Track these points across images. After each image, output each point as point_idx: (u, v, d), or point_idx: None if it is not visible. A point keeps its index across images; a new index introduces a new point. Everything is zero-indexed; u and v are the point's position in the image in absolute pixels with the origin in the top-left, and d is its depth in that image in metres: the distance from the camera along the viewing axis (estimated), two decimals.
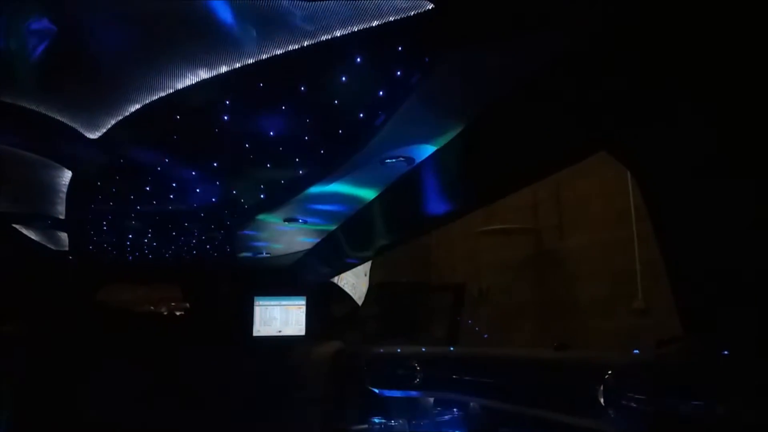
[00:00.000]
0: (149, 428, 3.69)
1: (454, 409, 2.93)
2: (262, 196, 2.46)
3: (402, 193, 2.23)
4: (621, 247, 4.49)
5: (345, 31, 1.32)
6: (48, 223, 2.70)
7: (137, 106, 1.67)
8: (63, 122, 1.76)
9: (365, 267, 4.09)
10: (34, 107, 1.67)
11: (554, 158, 1.63)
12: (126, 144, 1.92)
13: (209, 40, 1.38)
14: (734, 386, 1.28)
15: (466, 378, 2.57)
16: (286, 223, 2.77)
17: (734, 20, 1.08)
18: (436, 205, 2.22)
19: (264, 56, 1.42)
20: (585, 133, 1.47)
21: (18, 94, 1.61)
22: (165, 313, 4.76)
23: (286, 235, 3.04)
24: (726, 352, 1.33)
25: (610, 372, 1.68)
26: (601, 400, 1.71)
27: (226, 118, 1.76)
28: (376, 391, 3.10)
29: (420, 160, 2.01)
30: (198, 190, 2.41)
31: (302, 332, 4.06)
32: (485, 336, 4.85)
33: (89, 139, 1.85)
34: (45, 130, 1.78)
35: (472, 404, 2.71)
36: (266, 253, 3.50)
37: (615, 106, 1.37)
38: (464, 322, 4.40)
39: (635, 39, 1.20)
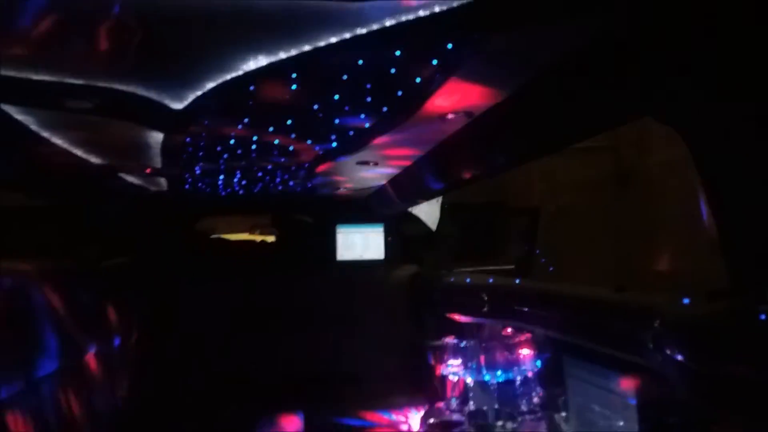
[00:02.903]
0: (246, 340, 4.15)
1: (524, 334, 3.09)
2: (333, 144, 2.63)
3: (462, 142, 2.32)
4: None
5: (394, 21, 1.40)
6: (148, 172, 3.03)
7: (213, 84, 1.84)
8: (150, 98, 1.97)
9: None
10: (124, 87, 1.89)
11: (600, 121, 1.68)
12: (207, 113, 2.12)
13: (269, 30, 1.50)
14: None
15: (530, 309, 2.73)
16: (358, 165, 2.95)
17: None
18: (494, 155, 2.30)
19: (321, 44, 1.53)
20: (631, 101, 1.50)
21: (112, 78, 1.83)
22: (258, 241, 5.17)
23: (360, 175, 3.22)
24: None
25: (658, 321, 1.77)
26: (650, 346, 1.81)
27: (294, 87, 1.90)
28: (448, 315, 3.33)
29: (478, 114, 2.08)
30: (276, 142, 2.61)
31: (381, 256, 4.34)
32: (562, 261, 4.91)
33: (174, 109, 2.05)
34: (136, 102, 1.99)
35: (536, 332, 2.87)
36: (344, 189, 3.73)
37: (661, 76, 1.38)
38: (539, 245, 4.48)
39: (678, 17, 1.21)
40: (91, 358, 2.92)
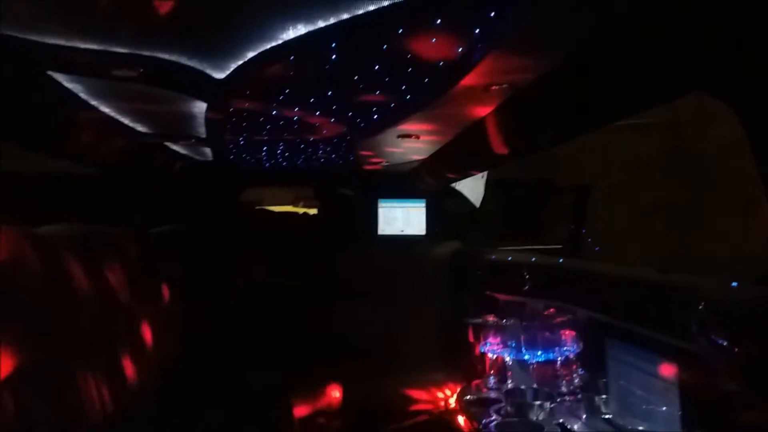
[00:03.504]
0: (286, 310, 4.21)
1: (566, 315, 3.03)
2: (375, 117, 2.60)
3: (507, 116, 2.26)
4: None
5: None
6: (192, 141, 3.08)
7: (253, 54, 1.84)
8: (193, 67, 1.99)
9: None
10: (167, 56, 1.91)
11: (651, 94, 1.59)
12: (248, 83, 2.12)
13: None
14: None
15: (574, 290, 2.66)
16: (400, 138, 2.91)
17: None
18: (540, 129, 2.23)
19: (359, 12, 1.50)
20: (683, 73, 1.42)
21: (156, 47, 1.85)
22: (300, 213, 5.23)
23: (402, 148, 3.20)
24: None
25: (703, 304, 1.69)
26: (694, 329, 1.74)
27: (333, 58, 1.88)
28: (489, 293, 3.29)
29: (523, 86, 2.02)
30: (317, 113, 2.60)
31: (423, 232, 4.31)
32: (613, 241, 4.76)
33: (216, 78, 2.07)
34: (179, 72, 2.01)
35: (578, 312, 2.80)
36: (386, 162, 3.71)
37: (715, 48, 1.30)
38: (589, 225, 4.36)
39: None
40: (136, 321, 3.00)
